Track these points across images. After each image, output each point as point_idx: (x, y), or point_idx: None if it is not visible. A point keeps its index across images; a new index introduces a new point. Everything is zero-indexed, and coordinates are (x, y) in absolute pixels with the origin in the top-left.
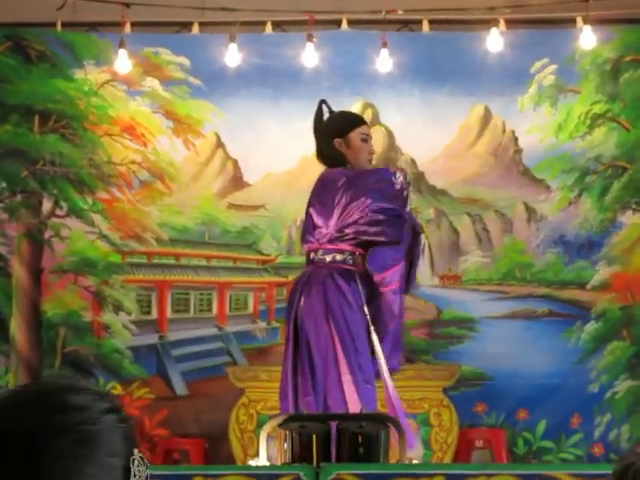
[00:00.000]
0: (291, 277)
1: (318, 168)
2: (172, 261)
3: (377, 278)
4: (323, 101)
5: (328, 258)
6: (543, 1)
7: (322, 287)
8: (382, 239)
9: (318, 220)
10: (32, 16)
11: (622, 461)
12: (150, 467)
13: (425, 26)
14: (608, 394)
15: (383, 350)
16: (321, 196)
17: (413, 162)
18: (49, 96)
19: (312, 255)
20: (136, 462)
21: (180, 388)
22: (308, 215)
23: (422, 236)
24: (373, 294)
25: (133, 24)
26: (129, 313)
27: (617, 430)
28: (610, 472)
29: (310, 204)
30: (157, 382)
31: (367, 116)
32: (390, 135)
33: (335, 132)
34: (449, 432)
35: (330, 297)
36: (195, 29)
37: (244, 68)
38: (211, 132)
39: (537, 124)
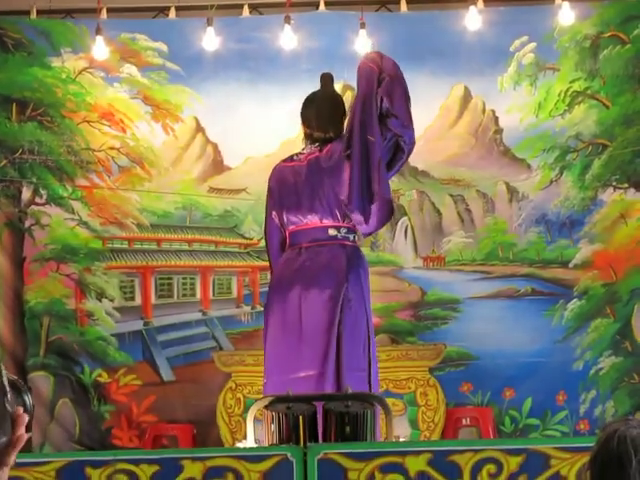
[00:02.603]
0: None
1: (298, 150)
2: (154, 246)
3: None
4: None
5: (351, 237)
6: None
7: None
8: None
9: (332, 197)
10: (7, 4)
11: (606, 428)
12: (139, 452)
13: (403, 6)
14: (592, 371)
15: None
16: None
17: None
18: (26, 84)
19: (333, 232)
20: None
21: (167, 374)
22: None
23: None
24: None
25: (109, 10)
26: (112, 300)
27: (602, 406)
28: None
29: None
30: (144, 368)
31: (347, 98)
32: None
33: (345, 112)
34: (436, 411)
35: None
36: (172, 14)
37: (222, 52)
38: (190, 117)
39: (517, 103)
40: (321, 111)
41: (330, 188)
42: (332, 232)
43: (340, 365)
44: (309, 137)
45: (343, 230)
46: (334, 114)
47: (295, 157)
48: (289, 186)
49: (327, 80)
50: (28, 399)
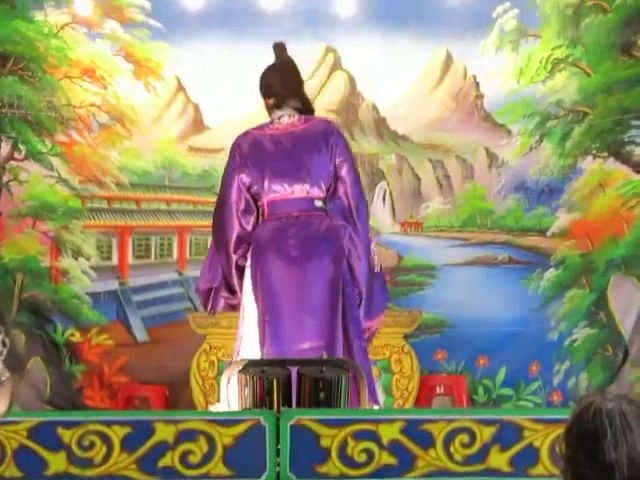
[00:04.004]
0: None
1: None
2: (132, 206)
3: None
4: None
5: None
6: None
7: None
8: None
9: (319, 169)
10: None
11: (582, 400)
12: (111, 413)
13: None
14: (567, 342)
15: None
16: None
17: (375, 107)
18: (8, 37)
19: (319, 203)
20: None
21: (141, 334)
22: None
23: None
24: None
25: None
26: (88, 259)
27: (575, 378)
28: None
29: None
30: (117, 328)
31: (329, 61)
32: (352, 80)
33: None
34: (410, 379)
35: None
36: None
37: (205, 10)
38: (172, 75)
39: (498, 69)
40: (287, 79)
41: (319, 161)
42: (318, 203)
43: (348, 334)
44: (279, 107)
45: (325, 201)
46: (298, 80)
47: (270, 125)
48: (269, 154)
49: (281, 49)
50: None
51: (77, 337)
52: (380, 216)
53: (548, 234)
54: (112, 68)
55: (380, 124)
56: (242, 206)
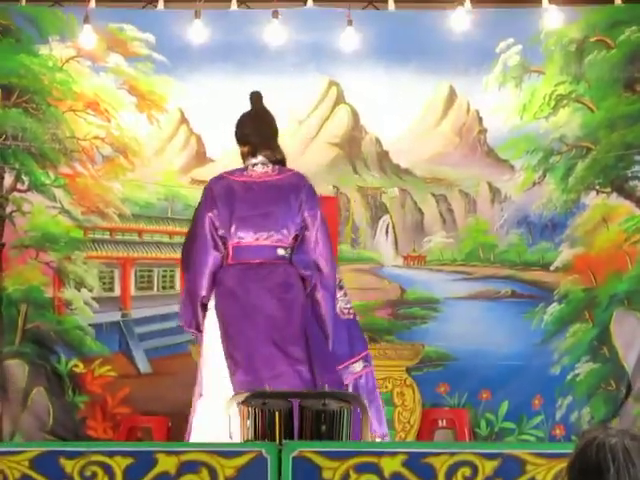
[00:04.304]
0: None
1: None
2: (135, 237)
3: None
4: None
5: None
6: None
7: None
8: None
9: (286, 219)
10: None
11: (585, 435)
12: (112, 444)
13: (391, 4)
14: (570, 376)
15: None
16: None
17: (378, 141)
18: (12, 71)
19: (282, 252)
20: None
21: (144, 366)
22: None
23: None
24: None
25: None
26: (91, 290)
27: (578, 412)
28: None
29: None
30: (120, 359)
31: (332, 94)
32: (355, 114)
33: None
34: (412, 412)
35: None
36: (160, 5)
37: (209, 45)
38: (175, 108)
39: (501, 104)
40: (262, 129)
41: (287, 212)
42: (281, 252)
43: (313, 370)
44: (253, 155)
45: (288, 250)
46: (272, 130)
47: (244, 172)
48: (239, 200)
49: (257, 99)
50: None
51: (80, 368)
52: (383, 249)
53: (551, 269)
54: (116, 101)
55: (383, 158)
56: (212, 244)
